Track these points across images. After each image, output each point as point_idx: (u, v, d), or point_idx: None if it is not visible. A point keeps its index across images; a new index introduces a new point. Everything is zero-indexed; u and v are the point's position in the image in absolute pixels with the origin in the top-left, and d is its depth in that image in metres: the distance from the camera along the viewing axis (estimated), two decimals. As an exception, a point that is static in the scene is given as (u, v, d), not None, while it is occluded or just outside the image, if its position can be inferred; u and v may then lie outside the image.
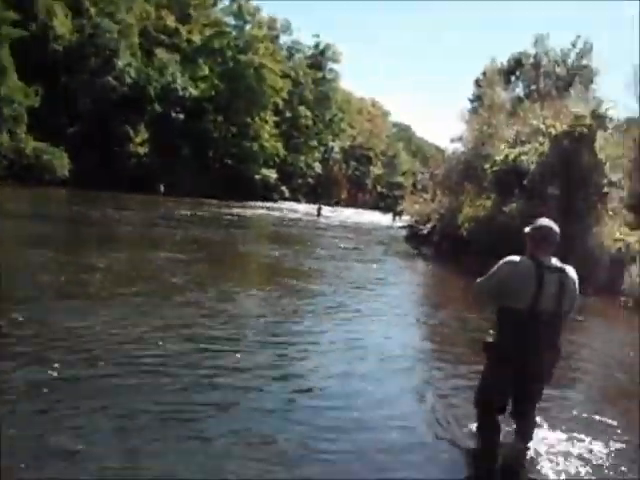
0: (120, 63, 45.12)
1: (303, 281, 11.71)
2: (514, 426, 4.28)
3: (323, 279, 12.48)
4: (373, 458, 4.02)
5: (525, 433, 4.22)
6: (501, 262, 3.94)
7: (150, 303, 7.82)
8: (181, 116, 50.06)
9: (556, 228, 4.00)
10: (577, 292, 3.98)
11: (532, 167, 18.05)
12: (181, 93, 49.79)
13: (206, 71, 53.98)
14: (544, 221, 4.06)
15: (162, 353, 5.66)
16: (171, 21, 53.23)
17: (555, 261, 3.95)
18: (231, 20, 59.00)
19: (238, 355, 5.92)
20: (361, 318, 8.68)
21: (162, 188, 41.46)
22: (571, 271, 3.97)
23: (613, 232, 17.28)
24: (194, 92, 51.27)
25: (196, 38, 54.83)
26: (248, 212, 37.29)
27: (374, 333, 7.73)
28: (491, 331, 4.12)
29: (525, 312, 3.81)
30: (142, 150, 46.91)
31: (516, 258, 3.92)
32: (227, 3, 59.41)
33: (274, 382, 5.30)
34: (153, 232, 18.45)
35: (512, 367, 3.95)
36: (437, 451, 4.21)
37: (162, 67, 49.36)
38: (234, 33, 58.12)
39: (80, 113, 43.44)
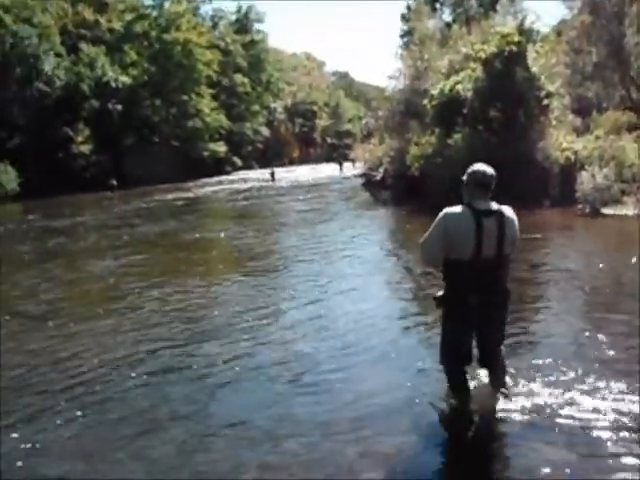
0: (46, 67, 43.82)
1: (268, 259, 11.51)
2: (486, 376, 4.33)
3: (288, 252, 12.28)
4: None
5: (496, 379, 4.26)
6: (440, 215, 3.90)
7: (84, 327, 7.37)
8: (119, 107, 49.02)
9: (490, 170, 3.94)
10: (517, 232, 3.96)
11: (469, 94, 18.06)
12: (114, 84, 48.61)
13: (134, 57, 52.57)
14: (477, 165, 3.98)
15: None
16: (89, 14, 51.37)
17: (493, 204, 3.92)
18: (148, 1, 57.12)
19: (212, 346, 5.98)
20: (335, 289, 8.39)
21: (114, 182, 40.75)
22: (508, 211, 3.94)
23: (560, 142, 17.46)
24: (127, 80, 50.06)
25: (117, 26, 53.07)
26: (203, 191, 36.77)
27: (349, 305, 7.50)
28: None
29: (470, 261, 3.81)
30: (86, 149, 46.03)
31: (453, 209, 3.89)
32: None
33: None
34: (105, 235, 17.66)
35: (467, 315, 3.97)
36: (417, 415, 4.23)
37: (90, 62, 48.04)
38: (154, 13, 56.39)
39: (17, 125, 42.52)
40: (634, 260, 8.39)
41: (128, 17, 54.14)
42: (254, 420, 4.27)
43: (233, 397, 4.84)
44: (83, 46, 48.40)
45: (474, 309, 3.93)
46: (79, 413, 4.60)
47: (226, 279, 9.52)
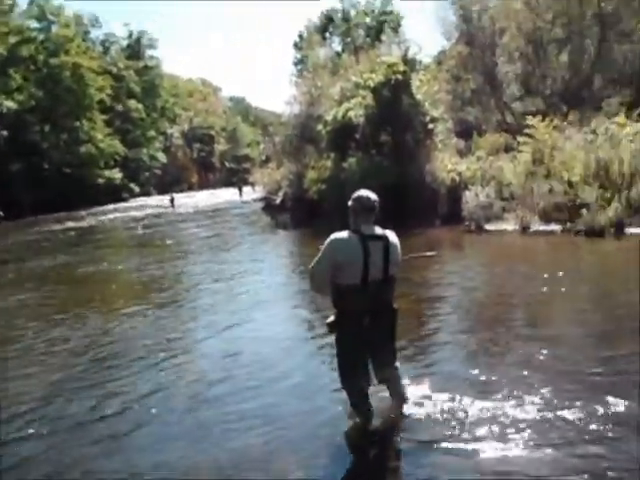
0: None
1: (171, 291, 11.34)
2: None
3: (191, 282, 12.17)
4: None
5: (396, 394, 4.48)
6: (327, 242, 4.02)
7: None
8: (4, 133, 46.60)
9: (373, 196, 4.14)
10: (399, 255, 4.21)
11: (361, 120, 18.93)
12: (-2, 109, 46.27)
13: (20, 81, 50.30)
14: (361, 192, 4.19)
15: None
16: (-32, 36, 48.74)
17: (377, 229, 4.10)
18: (34, 23, 54.94)
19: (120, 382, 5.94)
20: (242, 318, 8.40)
21: (1, 213, 38.14)
22: (392, 236, 4.15)
23: (445, 164, 18.60)
24: (12, 105, 47.73)
25: (1, 49, 50.52)
26: (98, 219, 35.69)
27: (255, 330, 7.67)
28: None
29: (359, 285, 3.98)
30: None
31: (341, 235, 4.02)
32: (25, 7, 55.01)
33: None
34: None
35: (358, 337, 4.14)
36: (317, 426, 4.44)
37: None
38: (41, 37, 54.30)
39: None
40: (515, 270, 9.17)
41: (12, 40, 51.72)
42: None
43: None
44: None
45: (365, 331, 4.10)
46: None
47: (128, 314, 9.16)
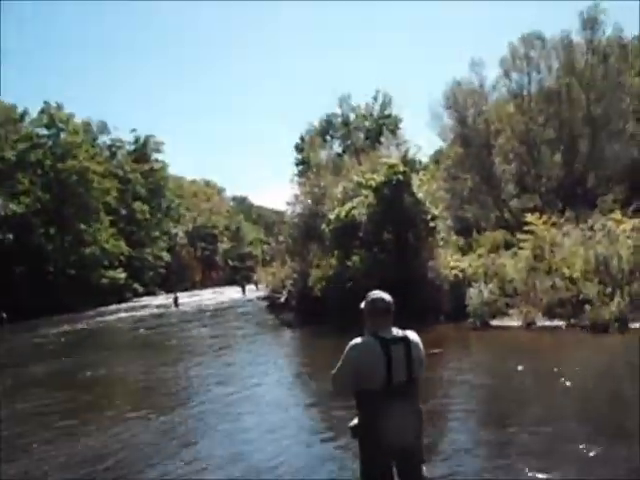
0: None
1: (176, 394, 11.27)
2: None
3: (197, 384, 12.09)
4: None
5: None
6: (347, 348, 3.94)
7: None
8: (10, 236, 47.26)
9: (387, 297, 4.05)
10: (423, 354, 4.14)
11: (364, 219, 19.41)
12: (3, 212, 47.13)
13: (26, 185, 51.67)
14: (374, 293, 4.09)
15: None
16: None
17: (396, 331, 4.01)
18: (43, 131, 57.27)
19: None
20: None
21: (4, 315, 38.05)
22: (413, 336, 4.06)
23: (448, 260, 18.89)
24: (17, 209, 48.73)
25: (9, 155, 52.30)
26: (102, 320, 35.61)
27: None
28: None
29: (381, 391, 3.90)
30: None
31: (360, 340, 3.95)
32: (35, 115, 57.52)
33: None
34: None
35: (383, 442, 4.02)
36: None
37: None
38: (50, 143, 56.42)
39: None
40: (520, 368, 9.22)
41: (22, 146, 53.55)
42: None
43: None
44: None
45: (390, 435, 3.98)
46: None
47: (134, 419, 9.08)
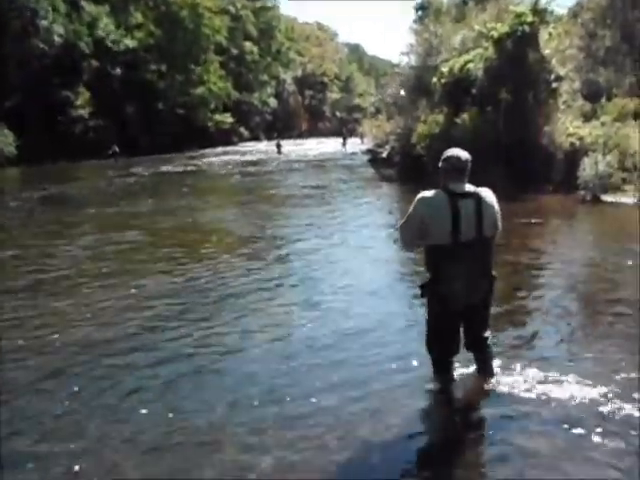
0: (44, 22, 41.43)
1: (283, 249, 10.65)
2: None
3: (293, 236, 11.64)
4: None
5: (484, 367, 4.27)
6: (415, 200, 3.88)
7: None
8: (120, 71, 47.74)
9: (465, 155, 3.92)
10: (497, 214, 3.92)
11: (479, 74, 17.91)
12: (117, 46, 47.50)
13: (140, 19, 51.44)
14: (452, 150, 3.98)
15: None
16: (91, -30, 49.78)
17: (469, 187, 3.89)
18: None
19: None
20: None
21: (117, 150, 39.69)
22: (486, 193, 3.93)
23: (566, 127, 17.35)
24: (131, 43, 48.90)
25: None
26: (207, 162, 36.38)
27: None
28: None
29: (449, 246, 3.79)
30: (85, 112, 44.47)
31: (429, 193, 3.86)
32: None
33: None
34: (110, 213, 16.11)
35: (451, 303, 3.94)
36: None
37: (92, 21, 46.55)
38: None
39: (13, 85, 40.48)
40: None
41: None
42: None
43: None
44: (85, 4, 46.25)
45: (458, 296, 3.91)
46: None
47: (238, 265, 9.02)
